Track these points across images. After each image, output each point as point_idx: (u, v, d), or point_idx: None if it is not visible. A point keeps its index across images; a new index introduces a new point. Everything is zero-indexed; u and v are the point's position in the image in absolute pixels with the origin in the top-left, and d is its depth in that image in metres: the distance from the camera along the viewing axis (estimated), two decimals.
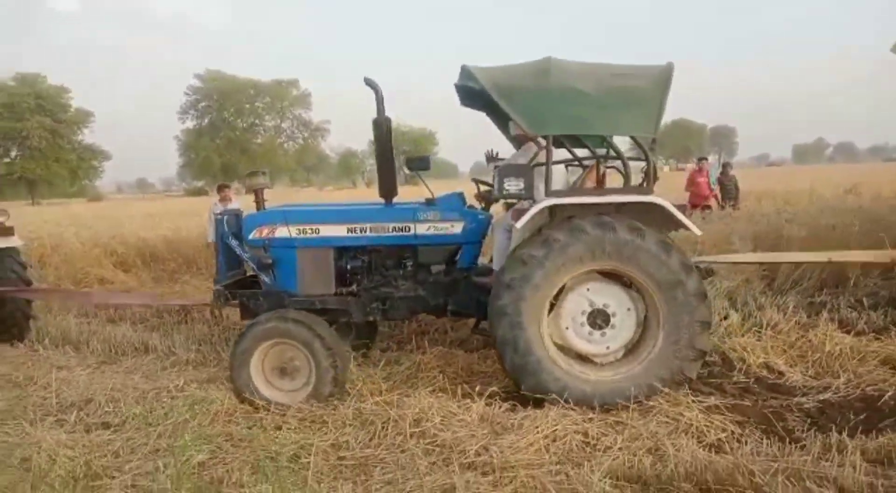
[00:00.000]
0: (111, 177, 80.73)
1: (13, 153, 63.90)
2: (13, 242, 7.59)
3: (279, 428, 4.49)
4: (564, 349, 4.91)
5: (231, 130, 72.30)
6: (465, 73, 5.03)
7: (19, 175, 62.25)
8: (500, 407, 4.64)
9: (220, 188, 10.71)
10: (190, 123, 73.28)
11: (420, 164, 5.44)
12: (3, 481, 3.85)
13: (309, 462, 3.93)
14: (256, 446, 4.20)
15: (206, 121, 72.94)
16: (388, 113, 5.23)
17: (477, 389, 4.83)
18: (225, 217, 5.72)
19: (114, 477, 3.86)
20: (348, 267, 5.55)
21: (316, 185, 78.60)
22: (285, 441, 4.21)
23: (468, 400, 4.73)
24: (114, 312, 8.80)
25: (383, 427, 4.39)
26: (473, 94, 5.41)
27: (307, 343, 4.95)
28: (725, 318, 6.27)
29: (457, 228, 5.38)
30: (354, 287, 5.54)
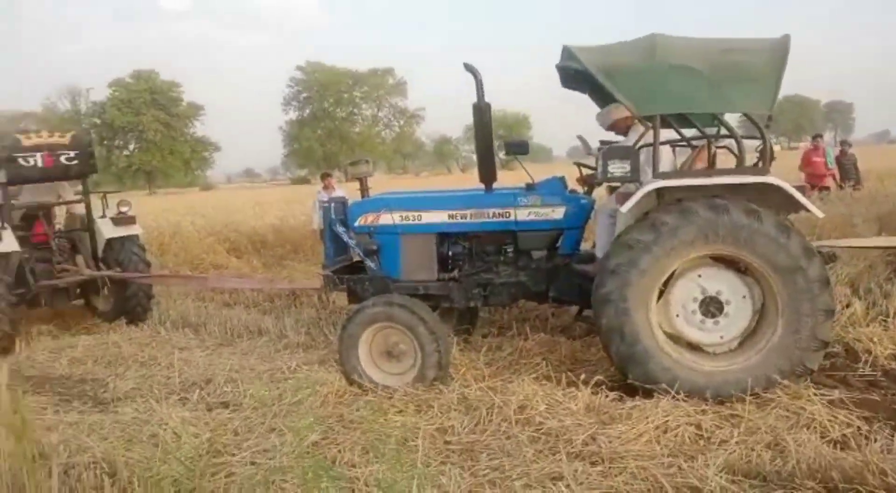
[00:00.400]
0: (221, 167, 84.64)
1: (132, 146, 68.26)
2: (135, 229, 8.17)
3: (387, 411, 4.58)
4: (674, 338, 4.74)
5: (331, 119, 74.27)
6: (567, 53, 4.91)
7: (137, 167, 66.46)
8: (607, 396, 4.55)
9: (324, 176, 11.01)
10: (293, 114, 75.94)
11: (518, 148, 5.38)
12: (136, 455, 4.13)
13: (416, 445, 3.99)
14: (366, 428, 4.30)
15: (308, 111, 75.24)
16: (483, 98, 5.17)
17: (582, 377, 4.75)
18: (332, 205, 5.88)
19: (234, 455, 4.04)
20: (450, 253, 5.60)
21: (412, 171, 79.72)
22: (394, 424, 4.31)
23: (573, 388, 4.67)
24: (228, 296, 9.28)
25: (488, 413, 4.40)
26: (575, 75, 5.29)
27: (411, 327, 5.02)
28: (848, 306, 5.87)
29: (558, 213, 5.29)
30: (456, 273, 5.58)
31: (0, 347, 6.94)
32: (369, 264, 5.69)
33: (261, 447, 4.13)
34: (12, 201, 7.73)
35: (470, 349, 5.75)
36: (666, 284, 4.68)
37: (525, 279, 5.40)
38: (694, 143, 5.54)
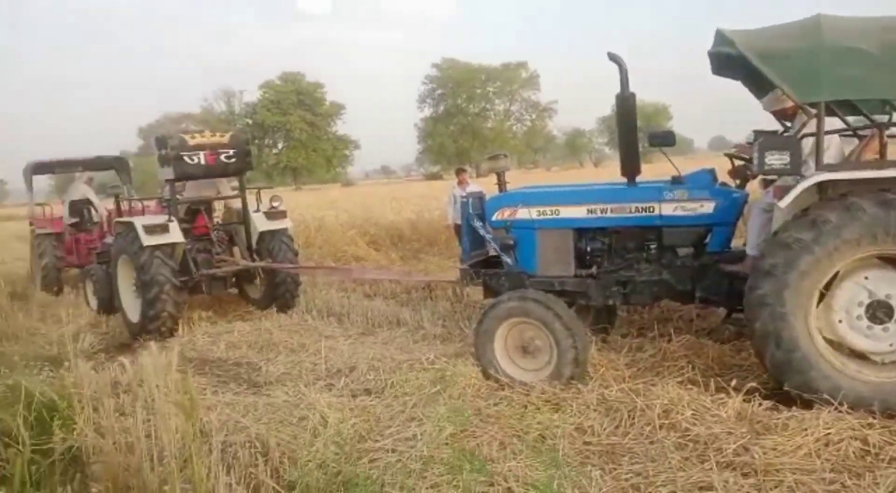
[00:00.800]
0: (359, 164, 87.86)
1: (280, 145, 72.52)
2: (285, 223, 8.66)
3: (524, 407, 4.56)
4: (835, 345, 4.36)
5: (464, 115, 75.11)
6: (721, 38, 4.64)
7: (285, 164, 70.51)
8: (760, 405, 4.26)
9: (458, 172, 11.10)
10: (427, 112, 77.49)
11: (664, 139, 5.15)
12: (285, 435, 4.38)
13: (554, 444, 3.94)
14: (503, 423, 4.31)
15: (442, 108, 76.51)
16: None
17: (732, 383, 4.48)
18: (469, 199, 5.93)
19: (377, 441, 4.19)
20: (588, 249, 5.48)
21: (542, 166, 79.07)
22: (531, 421, 4.28)
23: (722, 395, 4.42)
24: (369, 287, 9.63)
25: (629, 416, 4.27)
26: (729, 61, 4.98)
27: (547, 323, 4.96)
28: None
29: (707, 208, 5.02)
30: (594, 269, 5.45)
31: (165, 328, 7.59)
32: (505, 258, 5.68)
33: (402, 435, 4.25)
34: (178, 196, 8.43)
35: (608, 349, 5.60)
36: (827, 286, 4.32)
37: (669, 278, 5.17)
38: (861, 132, 5.08)
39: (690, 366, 5.05)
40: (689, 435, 3.97)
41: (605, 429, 4.18)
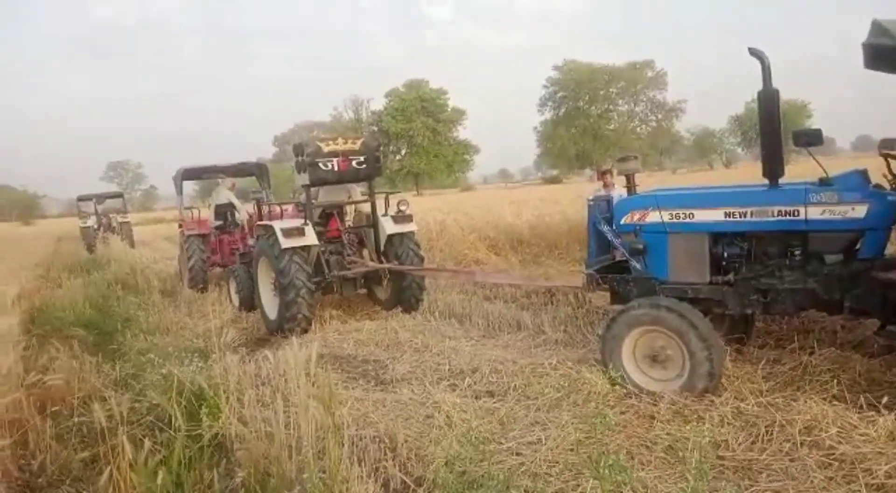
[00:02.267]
0: (477, 168, 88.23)
1: (402, 151, 74.31)
2: (412, 226, 8.86)
3: (652, 417, 4.44)
4: None
5: (585, 117, 73.80)
6: (878, 29, 4.30)
7: (407, 170, 72.18)
8: None
9: (603, 174, 10.84)
10: (548, 114, 76.77)
11: (810, 138, 4.83)
12: (412, 432, 4.49)
13: (684, 456, 3.80)
14: (630, 432, 4.22)
15: (563, 111, 75.56)
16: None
17: (884, 400, 4.15)
18: (596, 203, 5.84)
19: (501, 443, 4.21)
20: (725, 254, 5.24)
21: (668, 168, 76.27)
22: (660, 431, 4.16)
23: (872, 412, 4.10)
24: (489, 290, 9.67)
25: (767, 431, 4.05)
26: (886, 54, 4.60)
27: (681, 333, 4.79)
28: None
29: (859, 211, 4.66)
30: (731, 276, 5.20)
31: (300, 328, 7.99)
32: (634, 263, 5.54)
33: (526, 438, 4.25)
34: (312, 201, 8.84)
35: (744, 361, 5.33)
36: None
37: (815, 286, 4.84)
38: None
39: (835, 381, 4.70)
40: (833, 454, 3.72)
41: (740, 444, 3.98)
